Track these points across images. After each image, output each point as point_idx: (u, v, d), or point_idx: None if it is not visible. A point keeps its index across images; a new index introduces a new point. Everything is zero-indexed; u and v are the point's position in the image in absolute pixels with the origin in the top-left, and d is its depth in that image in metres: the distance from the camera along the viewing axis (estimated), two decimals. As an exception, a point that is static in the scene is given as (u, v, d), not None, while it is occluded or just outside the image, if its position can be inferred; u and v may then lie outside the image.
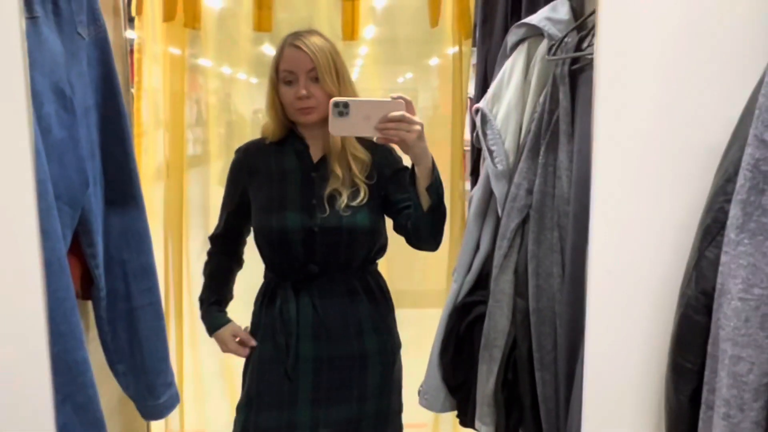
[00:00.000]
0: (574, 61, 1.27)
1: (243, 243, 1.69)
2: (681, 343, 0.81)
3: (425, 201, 1.40)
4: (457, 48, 2.06)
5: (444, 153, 2.24)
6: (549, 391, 1.30)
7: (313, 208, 1.47)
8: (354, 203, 1.47)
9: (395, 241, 1.62)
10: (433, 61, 2.28)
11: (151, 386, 1.42)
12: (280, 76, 1.47)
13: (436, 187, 1.39)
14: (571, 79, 1.28)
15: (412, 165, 1.38)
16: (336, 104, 1.30)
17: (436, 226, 1.46)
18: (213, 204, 2.14)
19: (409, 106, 1.30)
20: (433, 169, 1.38)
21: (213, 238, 1.67)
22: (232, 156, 1.62)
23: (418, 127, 1.31)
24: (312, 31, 1.50)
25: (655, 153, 0.89)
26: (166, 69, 2.04)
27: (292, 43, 1.47)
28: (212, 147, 2.27)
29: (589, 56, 1.22)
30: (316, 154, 1.53)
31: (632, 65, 0.89)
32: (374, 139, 1.34)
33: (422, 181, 1.39)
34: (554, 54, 1.32)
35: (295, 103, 1.45)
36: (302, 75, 1.45)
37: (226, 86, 2.27)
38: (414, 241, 1.52)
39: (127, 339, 1.41)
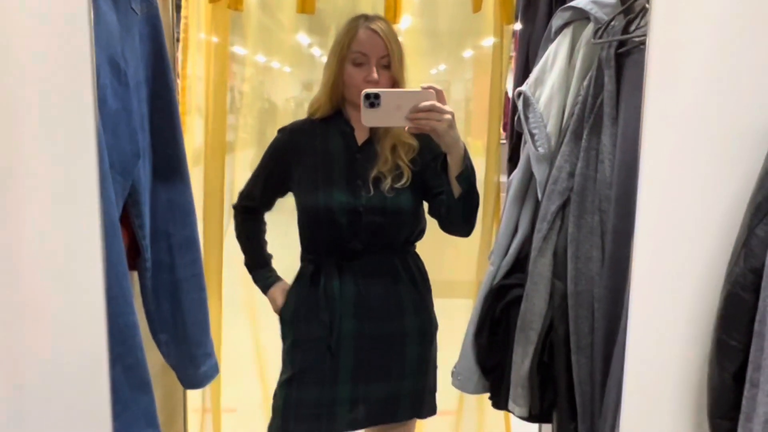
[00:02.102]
0: (621, 44, 1.27)
1: (267, 212, 1.75)
2: (727, 321, 0.82)
3: (456, 189, 1.43)
4: (494, 38, 2.05)
5: (480, 144, 2.25)
6: (584, 374, 1.30)
7: (358, 188, 1.50)
8: (398, 185, 1.50)
9: (426, 230, 1.64)
10: (470, 52, 2.29)
11: (192, 356, 1.46)
12: (351, 56, 1.49)
13: (467, 176, 1.42)
14: (617, 62, 1.27)
15: (444, 153, 1.40)
16: (367, 95, 1.32)
17: (467, 213, 1.49)
18: (236, 189, 2.17)
19: (439, 95, 1.32)
20: (465, 158, 1.40)
21: (243, 207, 1.71)
22: (263, 143, 1.66)
23: (448, 116, 1.33)
24: (379, 17, 1.53)
25: (705, 133, 0.89)
26: (209, 55, 2.07)
27: (368, 26, 1.49)
28: (244, 134, 2.29)
29: (637, 39, 1.22)
30: (360, 137, 1.56)
31: (684, 46, 0.89)
32: (405, 129, 1.36)
33: (453, 169, 1.41)
34: (600, 37, 1.31)
35: (362, 86, 1.47)
36: (374, 59, 1.48)
37: (260, 74, 2.30)
38: (446, 226, 1.56)
39: (170, 309, 1.45)
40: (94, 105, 0.87)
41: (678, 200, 0.90)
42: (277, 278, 1.68)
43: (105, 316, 0.89)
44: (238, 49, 2.21)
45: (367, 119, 1.34)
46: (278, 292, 1.64)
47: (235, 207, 1.72)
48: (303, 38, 2.31)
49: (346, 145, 1.55)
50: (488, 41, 2.08)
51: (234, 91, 2.38)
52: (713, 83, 0.88)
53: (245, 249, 1.71)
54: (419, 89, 1.33)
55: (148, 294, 1.42)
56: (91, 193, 0.88)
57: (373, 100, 1.32)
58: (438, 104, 1.32)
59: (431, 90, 1.32)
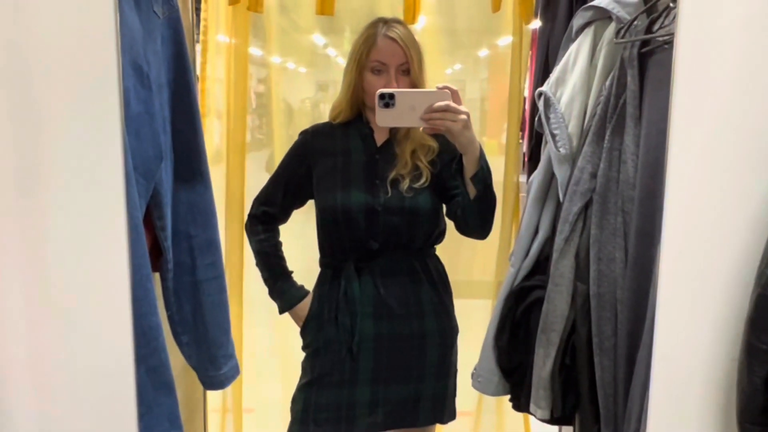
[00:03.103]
0: (644, 44, 1.26)
1: (283, 224, 1.71)
2: (757, 324, 0.80)
3: (471, 190, 1.42)
4: (513, 38, 2.04)
5: (495, 144, 2.24)
6: (608, 376, 1.29)
7: (376, 188, 1.50)
8: (416, 185, 1.50)
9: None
10: (488, 51, 2.28)
11: (213, 357, 1.47)
12: (370, 65, 1.50)
13: (482, 177, 1.41)
14: (640, 62, 1.26)
15: (460, 154, 1.39)
16: (382, 96, 1.32)
17: (483, 214, 1.48)
18: (252, 192, 2.18)
19: (454, 95, 1.32)
20: (480, 158, 1.39)
21: (262, 214, 1.66)
22: (277, 144, 1.65)
23: (463, 117, 1.32)
24: (397, 20, 1.53)
25: (734, 132, 0.88)
26: (230, 57, 2.08)
27: (386, 34, 1.49)
28: (259, 135, 2.29)
29: (660, 39, 1.20)
30: (380, 138, 1.56)
31: (713, 45, 0.88)
32: (420, 129, 1.36)
33: (469, 170, 1.40)
34: (622, 37, 1.30)
35: None
36: (393, 67, 1.48)
37: (275, 75, 2.31)
38: (462, 228, 1.55)
39: (192, 311, 1.46)
40: (120, 107, 0.87)
41: (706, 200, 0.89)
42: (305, 293, 1.63)
43: (130, 317, 0.90)
44: (253, 50, 2.21)
45: (381, 119, 1.34)
46: (305, 310, 1.61)
47: (252, 216, 1.68)
48: (318, 39, 2.31)
49: (365, 146, 1.55)
50: (506, 40, 2.07)
51: (250, 92, 2.39)
52: (742, 82, 0.87)
53: (265, 262, 1.66)
54: (434, 89, 1.33)
55: (170, 296, 1.43)
56: (117, 195, 0.88)
57: (388, 101, 1.32)
58: (453, 104, 1.31)
59: (446, 90, 1.31)
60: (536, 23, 1.99)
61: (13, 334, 0.89)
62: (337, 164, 1.55)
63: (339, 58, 2.45)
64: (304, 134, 1.63)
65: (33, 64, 0.87)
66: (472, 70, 2.35)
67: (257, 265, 1.68)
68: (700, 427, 0.91)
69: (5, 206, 0.88)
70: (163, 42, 1.35)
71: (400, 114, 1.33)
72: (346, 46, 2.41)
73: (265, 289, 1.69)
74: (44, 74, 0.87)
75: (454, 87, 1.33)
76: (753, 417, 0.83)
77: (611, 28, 1.36)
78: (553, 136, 1.42)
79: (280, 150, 2.23)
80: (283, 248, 1.68)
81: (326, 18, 2.12)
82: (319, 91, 3.06)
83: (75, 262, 0.91)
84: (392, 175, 1.50)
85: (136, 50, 1.20)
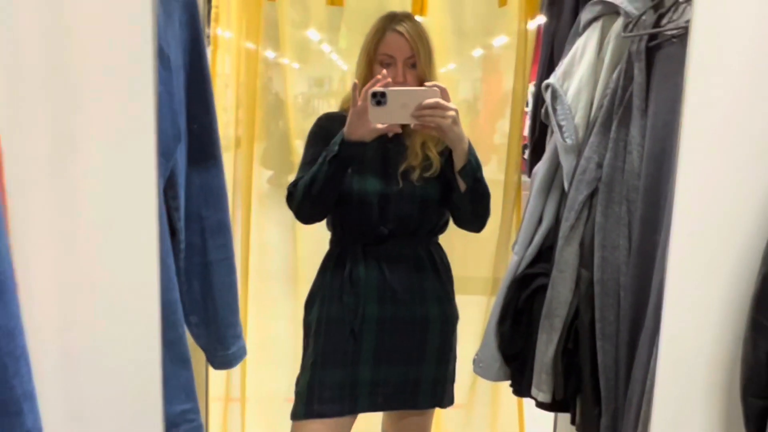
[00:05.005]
0: (651, 38, 1.30)
1: None
2: (763, 302, 0.84)
3: (461, 183, 1.49)
4: (518, 33, 2.07)
5: (495, 142, 2.27)
6: (609, 360, 1.33)
7: (388, 176, 1.55)
8: (426, 175, 1.54)
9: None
10: (491, 47, 2.31)
11: (222, 337, 1.49)
12: (378, 58, 1.54)
13: (471, 170, 1.47)
14: (647, 56, 1.30)
15: (450, 149, 1.45)
16: (374, 94, 1.37)
17: (475, 207, 1.55)
18: (255, 184, 2.20)
19: (443, 93, 1.39)
20: (469, 153, 1.46)
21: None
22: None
23: (452, 113, 1.39)
24: (407, 15, 1.57)
25: (744, 121, 0.92)
26: (240, 57, 2.10)
27: (394, 28, 1.52)
28: (252, 130, 2.28)
29: (668, 33, 1.24)
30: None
31: (727, 37, 0.91)
32: (411, 126, 1.41)
33: (458, 164, 1.47)
34: (630, 31, 1.34)
35: (390, 86, 1.49)
36: (401, 61, 1.52)
37: (269, 70, 2.32)
38: (456, 220, 1.62)
39: (201, 291, 1.48)
40: (154, 82, 0.90)
41: (715, 183, 0.93)
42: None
43: (158, 289, 0.92)
44: (249, 45, 2.22)
45: (374, 117, 1.39)
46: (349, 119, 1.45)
47: (289, 193, 1.59)
48: (313, 34, 2.33)
49: (378, 136, 1.58)
50: (510, 36, 2.10)
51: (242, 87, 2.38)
52: (754, 74, 0.91)
53: (312, 174, 1.51)
54: (424, 87, 1.39)
55: (181, 276, 1.45)
56: (149, 170, 0.91)
57: (379, 99, 1.37)
58: (442, 101, 1.38)
59: (436, 88, 1.38)
60: (540, 19, 2.03)
61: (44, 304, 0.91)
62: None
63: (333, 54, 2.47)
64: (320, 120, 1.66)
65: (70, 40, 0.89)
66: (475, 67, 2.38)
67: (317, 181, 1.51)
68: (706, 402, 0.95)
69: (38, 179, 0.90)
70: (181, 26, 1.38)
71: (391, 111, 1.38)
72: (341, 42, 2.43)
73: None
74: (80, 49, 0.89)
75: (443, 85, 1.39)
76: (757, 391, 0.87)
77: (619, 22, 1.40)
78: (560, 127, 1.46)
79: (273, 145, 2.24)
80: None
81: (322, 13, 2.14)
82: (314, 87, 3.06)
83: (105, 235, 0.93)
84: (404, 165, 1.55)
85: (158, 31, 1.22)
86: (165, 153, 1.24)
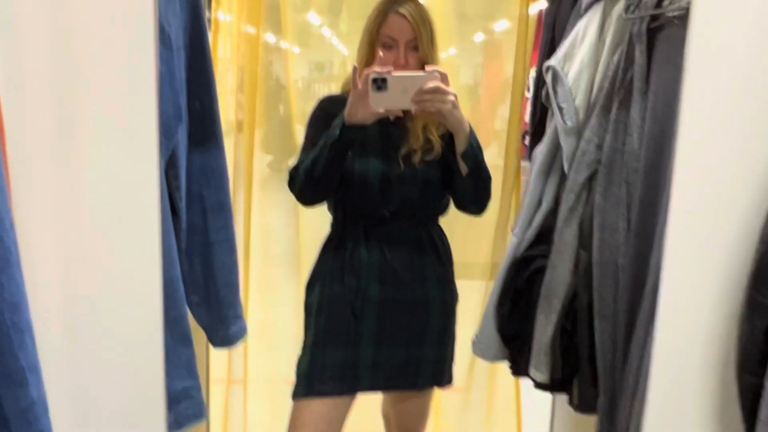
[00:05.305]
0: (652, 19, 1.30)
1: None
2: (760, 279, 0.85)
3: (463, 167, 1.50)
4: (519, 17, 2.07)
5: (496, 127, 2.27)
6: (607, 340, 1.34)
7: (390, 159, 1.55)
8: (428, 158, 1.54)
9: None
10: (493, 31, 2.30)
11: (224, 316, 1.50)
12: (381, 41, 1.53)
13: (472, 154, 1.49)
14: (648, 37, 1.30)
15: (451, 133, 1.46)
16: (375, 80, 1.38)
17: (476, 190, 1.56)
18: (257, 168, 2.19)
19: (443, 77, 1.39)
20: (470, 136, 1.47)
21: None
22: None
23: (452, 98, 1.40)
24: None
25: (744, 102, 0.92)
26: (241, 41, 2.09)
27: (397, 10, 1.52)
28: (252, 114, 2.28)
29: (670, 14, 1.24)
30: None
31: (727, 20, 0.92)
32: (412, 111, 1.42)
33: (459, 148, 1.48)
34: (632, 13, 1.34)
35: (392, 68, 1.50)
36: (403, 43, 1.52)
37: (270, 54, 2.31)
38: (458, 203, 1.63)
39: (202, 271, 1.49)
40: (156, 59, 0.91)
41: (714, 165, 0.93)
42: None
43: (160, 265, 0.93)
44: (250, 29, 2.21)
45: (375, 103, 1.39)
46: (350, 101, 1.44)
47: (291, 176, 1.59)
48: (313, 18, 2.32)
49: (379, 119, 1.58)
50: (512, 21, 2.09)
51: (243, 71, 2.38)
52: (755, 56, 0.91)
53: (315, 155, 1.51)
54: (424, 73, 1.40)
55: (182, 255, 1.46)
56: (151, 146, 0.91)
57: (380, 84, 1.38)
58: (442, 86, 1.39)
59: (436, 73, 1.39)
60: (541, 4, 2.02)
61: (47, 281, 0.92)
62: None
63: (334, 38, 2.47)
64: (321, 102, 1.66)
65: (71, 18, 0.89)
66: (476, 51, 2.37)
67: (318, 164, 1.50)
68: (702, 379, 0.96)
69: (41, 157, 0.91)
70: (181, 7, 1.38)
71: (392, 97, 1.39)
72: (342, 26, 2.42)
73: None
74: (82, 28, 0.90)
75: (443, 70, 1.40)
76: (752, 368, 0.88)
77: (620, 4, 1.39)
78: (561, 109, 1.46)
79: (274, 129, 2.24)
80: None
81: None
82: (314, 71, 3.05)
83: (108, 213, 0.94)
84: (405, 148, 1.55)
85: (160, 10, 1.22)
86: (166, 133, 1.24)
